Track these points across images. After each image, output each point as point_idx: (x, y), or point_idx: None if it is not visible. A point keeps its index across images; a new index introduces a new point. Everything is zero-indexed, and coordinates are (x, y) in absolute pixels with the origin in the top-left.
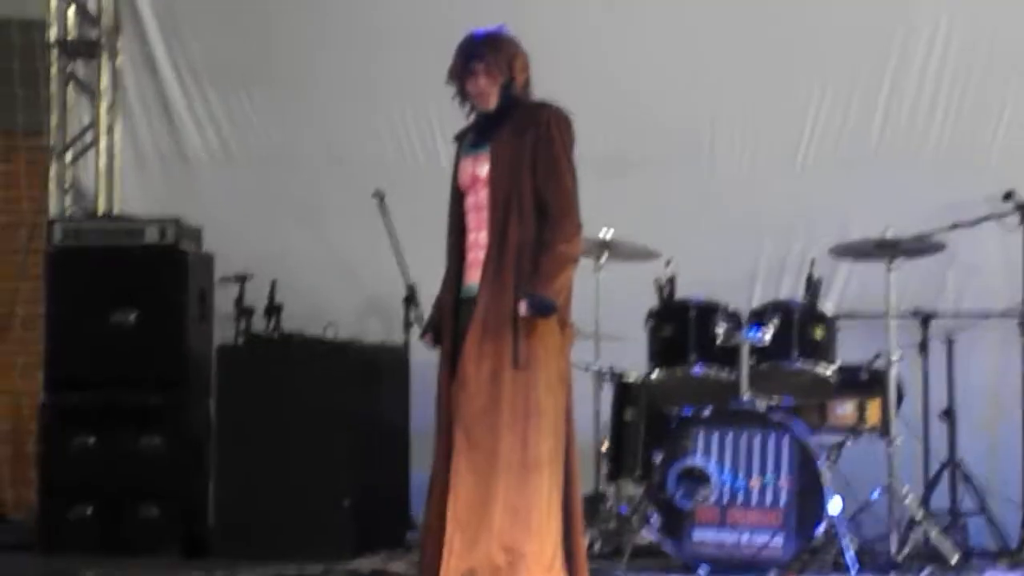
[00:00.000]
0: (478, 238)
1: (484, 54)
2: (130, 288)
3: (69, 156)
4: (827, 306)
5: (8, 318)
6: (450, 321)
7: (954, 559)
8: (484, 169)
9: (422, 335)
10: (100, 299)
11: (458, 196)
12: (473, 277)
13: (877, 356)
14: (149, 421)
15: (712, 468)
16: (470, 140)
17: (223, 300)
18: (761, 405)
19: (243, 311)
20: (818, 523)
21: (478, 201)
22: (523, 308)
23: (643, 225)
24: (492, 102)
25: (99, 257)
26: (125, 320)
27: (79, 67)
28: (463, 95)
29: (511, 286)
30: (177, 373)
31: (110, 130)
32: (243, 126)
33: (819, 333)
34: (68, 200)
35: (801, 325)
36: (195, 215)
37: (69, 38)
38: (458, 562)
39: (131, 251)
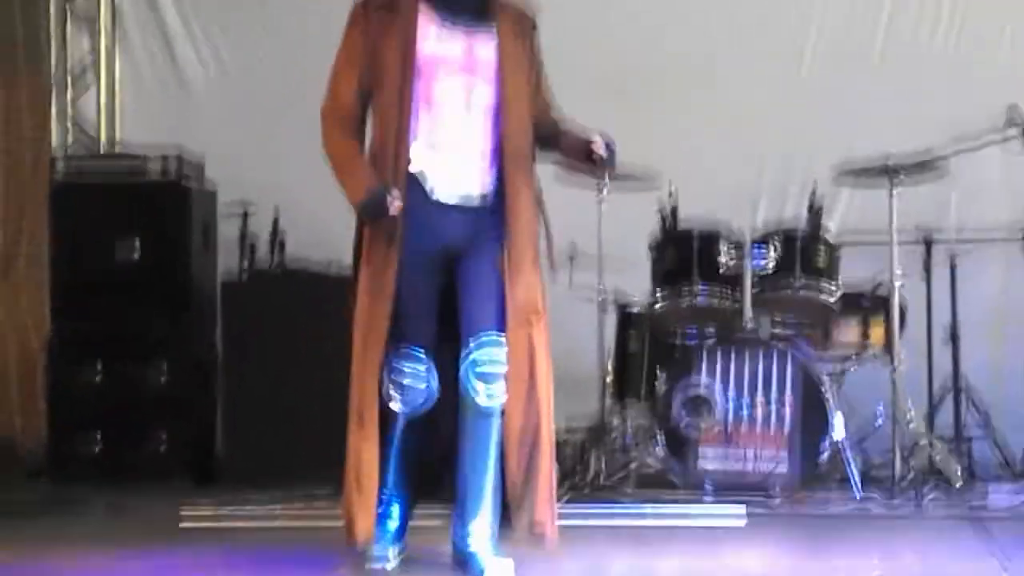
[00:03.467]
0: (468, 132)
1: None
2: (134, 222)
3: (70, 90)
4: (830, 230)
5: (14, 252)
6: (415, 224)
7: (958, 480)
8: (487, 55)
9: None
10: (104, 234)
11: (413, 62)
12: (465, 176)
13: (879, 283)
14: (155, 352)
15: (716, 392)
16: (440, 8)
17: (227, 229)
18: (765, 330)
19: (246, 243)
20: (823, 445)
21: (470, 86)
22: (602, 148)
23: (643, 147)
24: None
25: (102, 192)
26: (129, 254)
27: (77, 1)
28: None
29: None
30: (182, 305)
31: (110, 62)
32: (244, 53)
33: (822, 258)
34: (71, 134)
35: (804, 250)
36: (197, 145)
37: None
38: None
39: (134, 186)
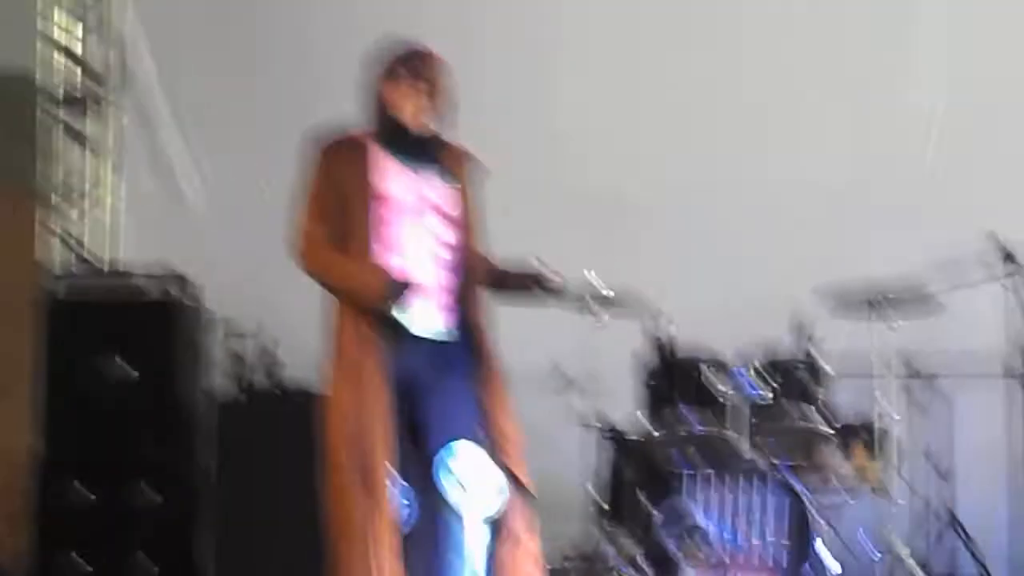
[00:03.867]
0: (427, 268)
1: (432, 72)
2: (130, 343)
3: (65, 208)
4: (819, 358)
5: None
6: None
7: None
8: (435, 195)
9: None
10: (99, 354)
11: (376, 201)
12: (426, 309)
13: (875, 416)
14: (143, 475)
15: (711, 527)
16: (391, 150)
17: (221, 352)
18: (756, 460)
19: (243, 366)
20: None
21: (422, 224)
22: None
23: (631, 269)
24: (415, 120)
25: (99, 312)
26: (118, 372)
27: (79, 122)
28: (383, 97)
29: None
30: (176, 426)
31: (106, 182)
32: (240, 178)
33: (814, 387)
34: (62, 251)
35: (793, 377)
36: (196, 265)
37: (66, 90)
38: None
39: (131, 306)
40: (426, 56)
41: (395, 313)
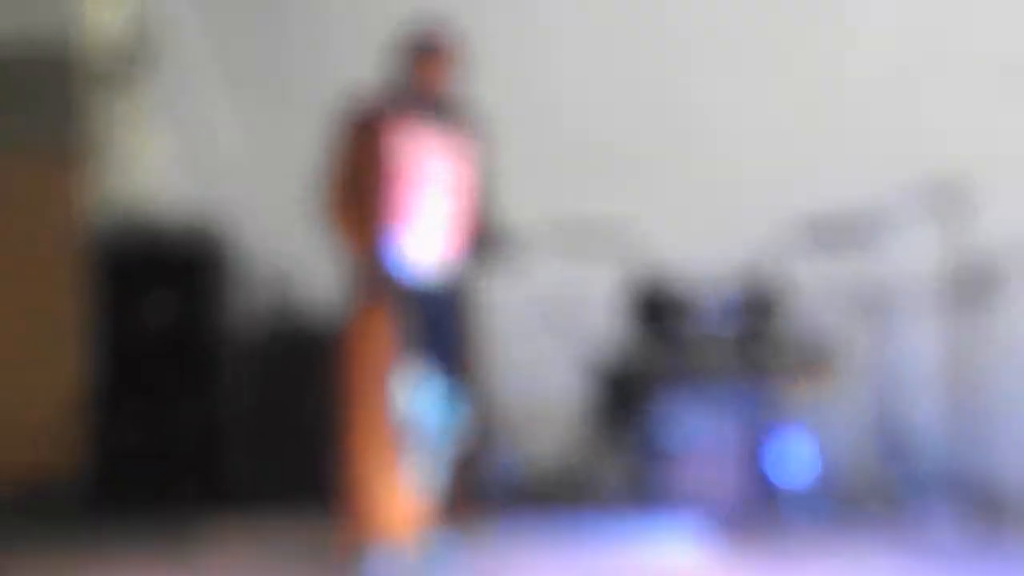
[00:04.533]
0: (438, 224)
1: (452, 52)
2: (167, 291)
3: (104, 165)
4: (780, 286)
5: (58, 314)
6: (410, 307)
7: (891, 505)
8: (454, 158)
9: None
10: (139, 300)
11: (389, 161)
12: (435, 261)
13: (828, 337)
14: (187, 405)
15: (680, 433)
16: (416, 119)
17: (258, 295)
18: (724, 377)
19: (274, 308)
20: (774, 474)
21: (445, 183)
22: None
23: (616, 210)
24: (439, 90)
25: (138, 263)
26: (158, 315)
27: (118, 83)
28: (411, 73)
29: None
30: (205, 360)
31: (141, 139)
32: (269, 136)
33: (774, 311)
34: (107, 209)
35: (757, 305)
36: (221, 219)
37: (108, 57)
38: None
39: (167, 258)
40: (447, 33)
41: (400, 268)
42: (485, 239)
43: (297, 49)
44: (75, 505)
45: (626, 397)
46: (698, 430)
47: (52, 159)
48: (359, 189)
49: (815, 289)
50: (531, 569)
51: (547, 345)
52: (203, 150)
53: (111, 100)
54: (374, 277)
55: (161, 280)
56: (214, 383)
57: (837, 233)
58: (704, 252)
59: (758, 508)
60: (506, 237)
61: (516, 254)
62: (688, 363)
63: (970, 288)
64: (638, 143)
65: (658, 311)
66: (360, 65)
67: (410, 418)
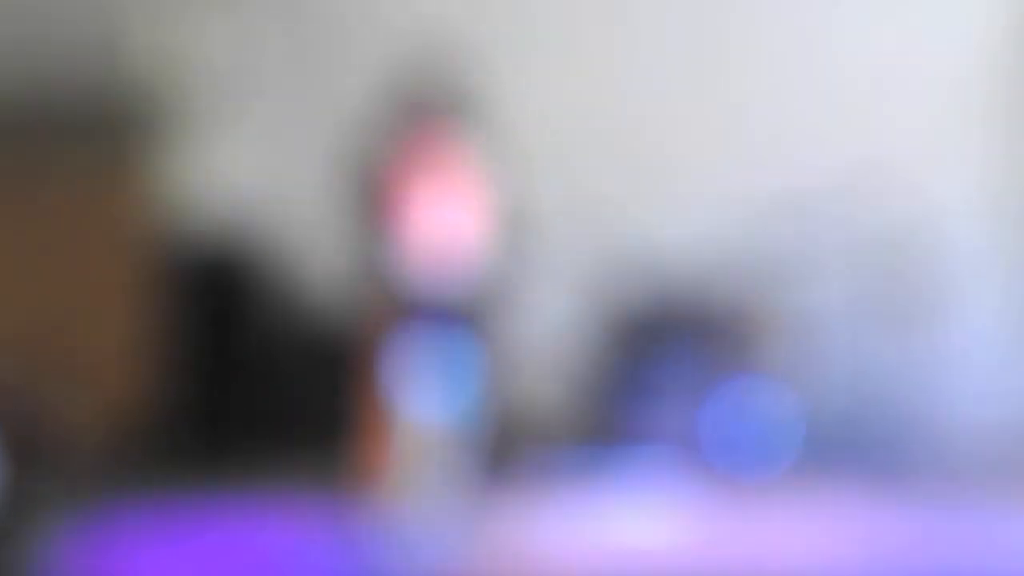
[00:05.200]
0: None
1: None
2: (207, 296)
3: (162, 180)
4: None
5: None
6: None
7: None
8: (467, 169)
9: None
10: (188, 304)
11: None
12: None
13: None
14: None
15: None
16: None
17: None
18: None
19: (302, 310)
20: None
21: (447, 189)
22: None
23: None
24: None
25: (183, 271)
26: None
27: (158, 108)
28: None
29: None
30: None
31: (188, 159)
32: (312, 155)
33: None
34: (163, 220)
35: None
36: (264, 229)
37: (150, 85)
38: None
39: (207, 267)
40: (440, 90)
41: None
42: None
43: (320, 61)
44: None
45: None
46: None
47: (108, 178)
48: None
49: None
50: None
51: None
52: (242, 166)
53: (158, 122)
54: (390, 285)
55: (208, 291)
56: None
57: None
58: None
59: (723, 456)
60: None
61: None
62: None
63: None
64: (617, 129)
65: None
66: (378, 78)
67: (424, 420)
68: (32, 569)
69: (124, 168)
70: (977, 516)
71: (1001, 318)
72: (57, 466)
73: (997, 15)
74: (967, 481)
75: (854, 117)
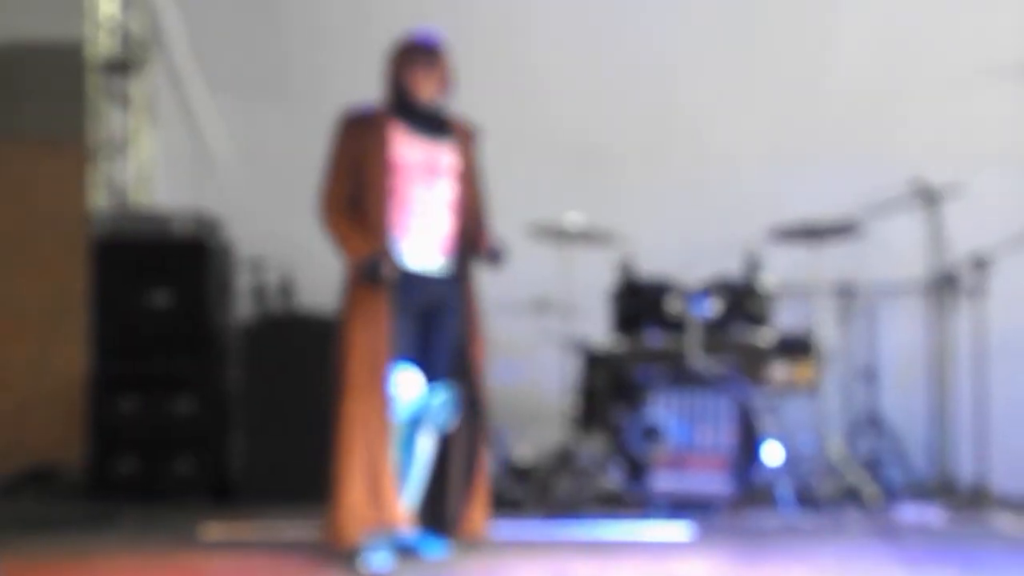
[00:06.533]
0: (433, 220)
1: (442, 58)
2: (161, 274)
3: (107, 159)
4: (765, 282)
5: (60, 300)
6: (406, 288)
7: (873, 497)
8: (447, 160)
9: (379, 274)
10: (136, 284)
11: (389, 166)
12: (431, 254)
13: (807, 329)
14: (181, 386)
15: (666, 423)
16: (408, 123)
17: (244, 281)
18: (708, 368)
19: (264, 295)
20: (757, 468)
21: (433, 184)
22: (494, 246)
23: (603, 210)
24: (429, 98)
25: (139, 250)
26: (157, 302)
27: (115, 81)
28: (401, 79)
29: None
30: (204, 347)
31: (142, 135)
32: (260, 130)
33: (757, 305)
34: (107, 198)
35: (742, 299)
36: (217, 209)
37: (106, 56)
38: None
39: (161, 243)
40: (437, 46)
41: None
42: (477, 245)
43: (294, 44)
44: (73, 491)
45: (613, 389)
46: (684, 426)
47: (65, 149)
48: (357, 182)
49: (799, 286)
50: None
51: (539, 332)
52: (201, 142)
53: (116, 93)
54: (369, 269)
55: (160, 269)
56: (213, 367)
57: (821, 231)
58: (686, 251)
59: (740, 499)
60: (498, 245)
61: (506, 260)
62: (673, 351)
63: (951, 286)
64: (623, 146)
65: (645, 300)
66: (356, 63)
67: (404, 409)
68: None
69: None
70: None
71: None
72: None
73: None
74: None
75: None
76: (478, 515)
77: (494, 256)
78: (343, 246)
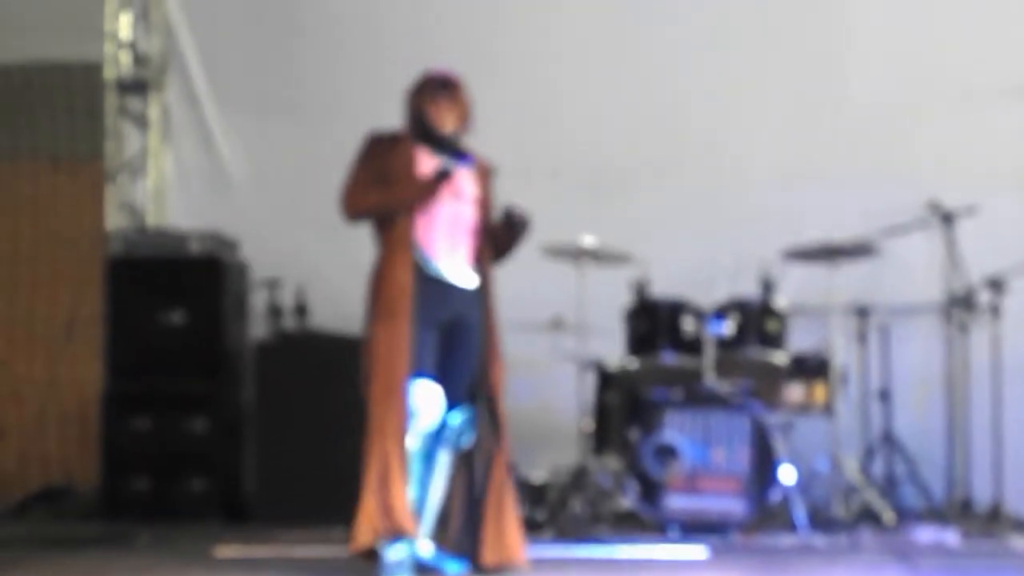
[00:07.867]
0: (458, 239)
1: (463, 93)
2: (176, 293)
3: (124, 179)
4: (779, 302)
5: (75, 318)
6: (432, 300)
7: (888, 518)
8: (469, 188)
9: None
10: (151, 302)
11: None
12: (457, 268)
13: (822, 349)
14: (194, 406)
15: (681, 443)
16: (431, 149)
17: (259, 300)
18: (723, 388)
19: (278, 314)
20: (772, 489)
21: (457, 206)
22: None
23: (619, 232)
24: (450, 131)
25: (149, 266)
26: (172, 320)
27: (132, 102)
28: (424, 112)
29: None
30: (217, 365)
31: (158, 155)
32: (274, 150)
33: (772, 325)
34: (123, 217)
35: (757, 319)
36: (233, 228)
37: (123, 77)
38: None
39: (177, 262)
40: (457, 81)
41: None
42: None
43: (309, 65)
44: (87, 510)
45: (628, 408)
46: (699, 444)
47: (83, 169)
48: (383, 193)
49: (814, 306)
50: None
51: (555, 351)
52: (216, 162)
53: (133, 113)
54: (401, 268)
55: (176, 288)
56: (227, 391)
57: (837, 251)
58: (701, 271)
59: (755, 520)
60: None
61: (530, 225)
62: (688, 371)
63: (966, 307)
64: (639, 167)
65: (660, 320)
66: (371, 83)
67: (424, 424)
68: None
69: None
70: None
71: None
72: None
73: None
74: None
75: None
76: (512, 539)
77: (519, 219)
78: (390, 200)
